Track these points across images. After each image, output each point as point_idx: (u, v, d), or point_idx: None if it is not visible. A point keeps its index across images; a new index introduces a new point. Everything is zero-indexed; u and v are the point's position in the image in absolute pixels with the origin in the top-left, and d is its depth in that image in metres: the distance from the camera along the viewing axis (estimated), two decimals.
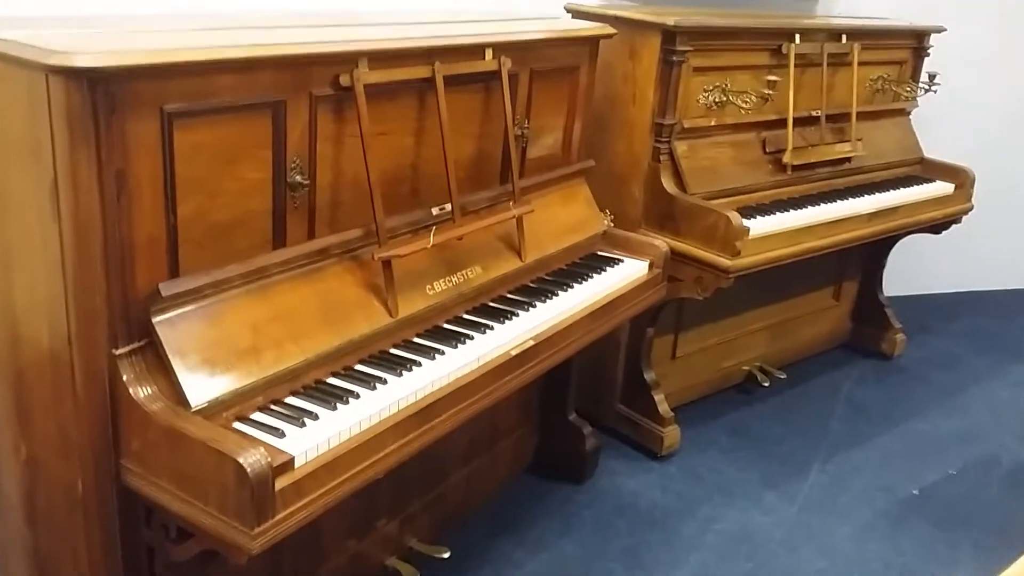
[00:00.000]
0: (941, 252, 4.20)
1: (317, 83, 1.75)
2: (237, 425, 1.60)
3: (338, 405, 1.67)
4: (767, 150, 3.06)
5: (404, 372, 1.81)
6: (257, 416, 1.63)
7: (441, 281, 2.04)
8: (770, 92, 2.85)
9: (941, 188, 3.47)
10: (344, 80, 1.79)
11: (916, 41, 3.54)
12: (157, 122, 1.50)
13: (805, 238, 2.93)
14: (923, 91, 3.47)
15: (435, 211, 2.06)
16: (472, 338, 1.98)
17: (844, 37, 3.20)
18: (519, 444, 2.76)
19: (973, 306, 4.47)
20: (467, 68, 2.08)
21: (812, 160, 3.14)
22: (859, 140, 3.31)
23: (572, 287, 2.32)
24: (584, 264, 2.48)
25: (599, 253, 2.58)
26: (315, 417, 1.63)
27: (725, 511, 2.75)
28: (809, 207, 3.01)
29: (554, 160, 2.53)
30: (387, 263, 1.88)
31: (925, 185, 3.45)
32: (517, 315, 2.12)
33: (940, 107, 3.64)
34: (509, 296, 2.22)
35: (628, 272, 2.49)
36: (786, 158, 3.05)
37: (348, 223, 1.89)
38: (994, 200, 3.69)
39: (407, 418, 1.72)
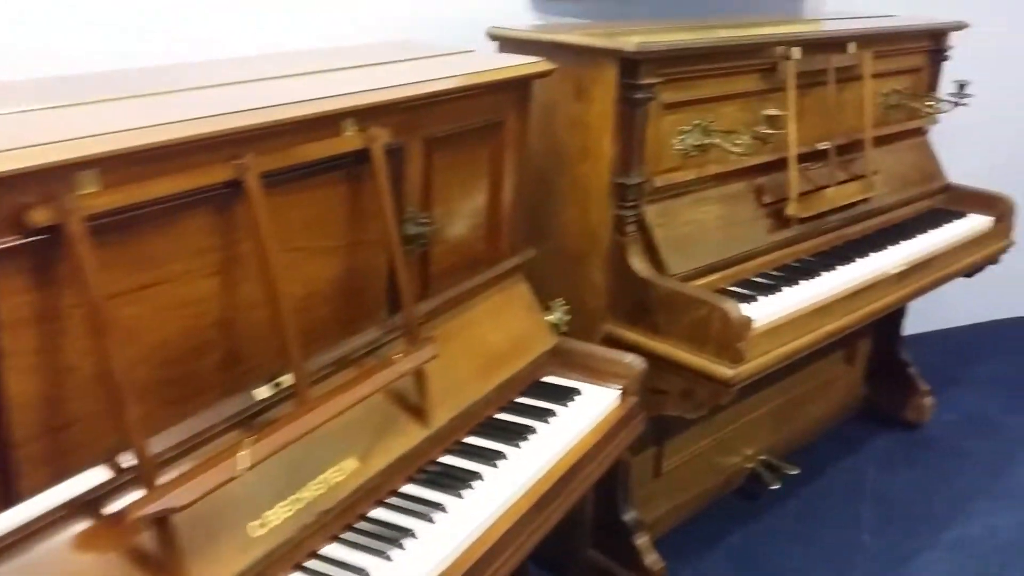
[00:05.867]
0: (957, 281, 3.37)
1: None
2: None
3: None
4: (764, 201, 2.22)
5: None
6: None
7: (282, 505, 1.18)
8: (769, 131, 2.00)
9: (977, 224, 2.64)
10: (40, 217, 0.93)
11: (933, 42, 2.71)
12: None
13: (825, 319, 2.09)
14: (951, 104, 2.63)
15: (264, 392, 1.21)
16: None
17: (852, 46, 2.36)
18: None
19: (997, 341, 3.65)
20: (306, 156, 1.22)
21: (823, 209, 2.31)
22: (875, 174, 2.48)
23: (505, 458, 1.47)
24: (525, 407, 1.63)
25: (548, 382, 1.74)
26: None
27: None
28: (824, 274, 2.17)
29: (476, 256, 1.68)
30: (160, 518, 1.02)
31: (958, 222, 2.62)
32: (413, 535, 1.26)
33: (951, 118, 2.78)
34: (404, 494, 1.37)
35: (591, 411, 1.65)
36: (790, 210, 2.22)
37: (85, 456, 1.03)
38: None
39: None
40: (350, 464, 1.29)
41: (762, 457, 2.61)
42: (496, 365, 1.62)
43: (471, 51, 1.76)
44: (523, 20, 2.26)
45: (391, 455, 1.35)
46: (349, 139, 1.28)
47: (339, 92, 1.27)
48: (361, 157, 1.32)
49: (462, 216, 1.62)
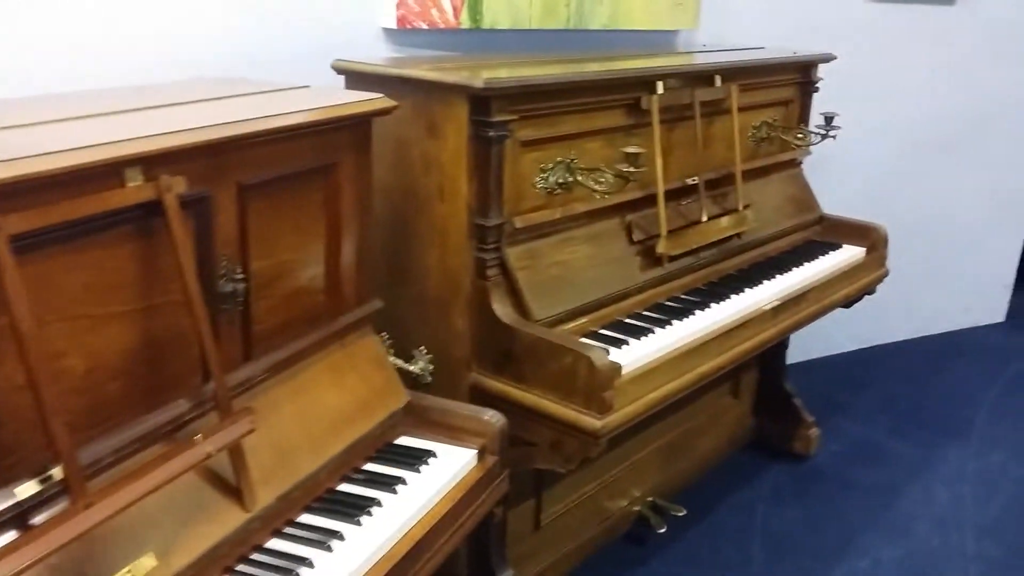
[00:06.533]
0: (838, 309, 3.37)
1: None
2: None
3: None
4: (635, 238, 2.13)
5: None
6: None
7: None
8: (631, 169, 1.91)
9: (851, 254, 2.63)
10: None
11: (802, 75, 2.70)
12: None
13: (699, 360, 2.00)
14: (819, 137, 2.62)
15: (30, 488, 1.03)
16: None
17: (718, 79, 2.31)
18: None
19: (880, 366, 3.67)
20: (74, 212, 1.05)
21: (695, 245, 2.24)
22: (747, 207, 2.43)
23: (341, 538, 1.31)
24: (370, 476, 1.48)
25: (400, 444, 1.59)
26: None
27: None
28: (697, 312, 2.09)
29: (313, 310, 1.52)
30: None
31: (832, 254, 2.60)
32: None
33: (823, 149, 2.78)
34: None
35: (445, 476, 1.50)
36: (660, 247, 2.13)
37: None
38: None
39: None
40: (146, 563, 1.11)
41: (650, 499, 2.51)
42: (337, 430, 1.46)
43: (305, 87, 1.62)
44: (379, 52, 2.13)
45: (200, 547, 1.18)
46: (134, 191, 1.11)
47: (121, 137, 1.10)
48: (156, 209, 1.16)
49: (293, 268, 1.46)
